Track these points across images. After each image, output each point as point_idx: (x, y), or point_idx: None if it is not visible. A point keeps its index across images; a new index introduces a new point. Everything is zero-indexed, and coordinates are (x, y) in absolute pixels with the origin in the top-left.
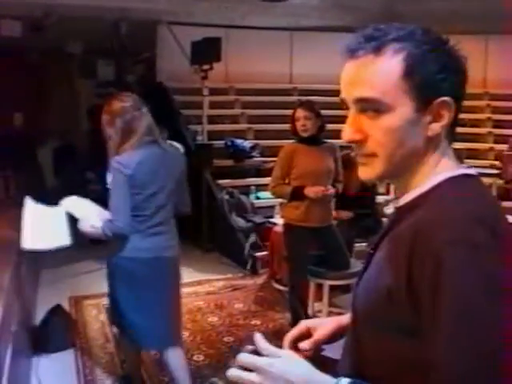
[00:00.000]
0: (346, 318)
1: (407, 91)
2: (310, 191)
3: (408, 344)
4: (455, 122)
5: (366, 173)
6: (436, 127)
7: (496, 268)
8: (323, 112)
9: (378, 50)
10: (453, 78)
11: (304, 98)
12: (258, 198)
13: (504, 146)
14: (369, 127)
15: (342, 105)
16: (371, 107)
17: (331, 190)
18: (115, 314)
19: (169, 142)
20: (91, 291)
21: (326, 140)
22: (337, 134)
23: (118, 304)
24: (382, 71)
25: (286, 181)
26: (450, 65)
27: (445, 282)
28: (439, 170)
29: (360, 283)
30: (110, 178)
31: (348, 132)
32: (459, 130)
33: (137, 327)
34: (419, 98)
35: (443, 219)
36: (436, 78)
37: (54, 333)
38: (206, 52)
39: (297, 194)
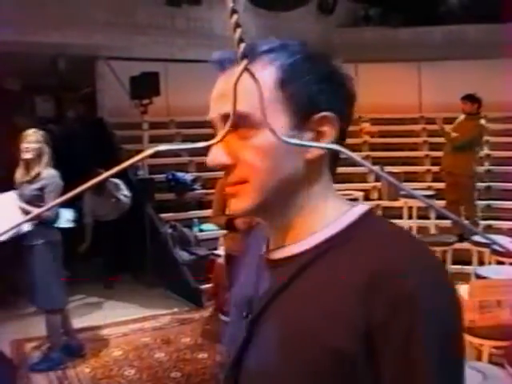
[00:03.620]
0: None
1: (281, 105)
2: (238, 223)
3: None
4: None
5: (235, 205)
6: (294, 158)
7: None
8: None
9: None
10: (333, 91)
11: None
12: (201, 230)
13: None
14: (239, 149)
15: (212, 128)
16: (241, 124)
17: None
18: None
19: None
20: (34, 334)
21: None
22: None
23: None
24: (252, 84)
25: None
26: (329, 77)
27: (421, 326)
28: (337, 204)
29: (249, 363)
30: None
31: (216, 155)
32: (398, 154)
33: None
34: (295, 113)
35: (409, 261)
36: (312, 90)
37: None
38: (145, 86)
39: (231, 226)
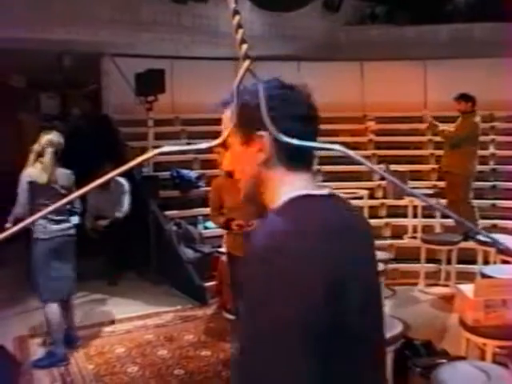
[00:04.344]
0: None
1: (235, 129)
2: (233, 225)
3: None
4: (292, 151)
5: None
6: (260, 156)
7: (275, 279)
8: None
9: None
10: (275, 115)
11: None
12: (206, 227)
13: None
14: (230, 159)
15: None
16: (229, 144)
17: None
18: None
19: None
20: (37, 330)
21: None
22: None
23: None
24: (226, 117)
25: (225, 210)
26: (271, 104)
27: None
28: (282, 191)
29: None
30: None
31: (226, 164)
32: (403, 152)
33: None
34: (241, 133)
35: (261, 233)
36: (253, 117)
37: None
38: (150, 84)
39: (228, 227)
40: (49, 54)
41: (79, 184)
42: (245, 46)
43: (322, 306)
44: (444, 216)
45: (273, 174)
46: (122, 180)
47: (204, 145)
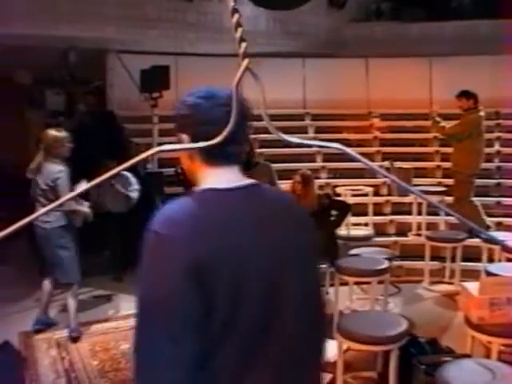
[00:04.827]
0: None
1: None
2: None
3: None
4: (208, 149)
5: None
6: (185, 156)
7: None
8: (262, 136)
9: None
10: (189, 123)
11: (254, 123)
12: None
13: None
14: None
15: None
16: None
17: None
18: None
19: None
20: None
21: (259, 162)
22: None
23: None
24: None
25: None
26: (184, 111)
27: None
28: (203, 183)
29: None
30: None
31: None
32: (408, 149)
33: None
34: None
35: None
36: (177, 122)
37: (2, 371)
38: (155, 80)
39: None
40: (54, 51)
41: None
42: (244, 45)
43: (183, 288)
44: (448, 213)
45: (198, 168)
46: (127, 173)
47: (203, 144)
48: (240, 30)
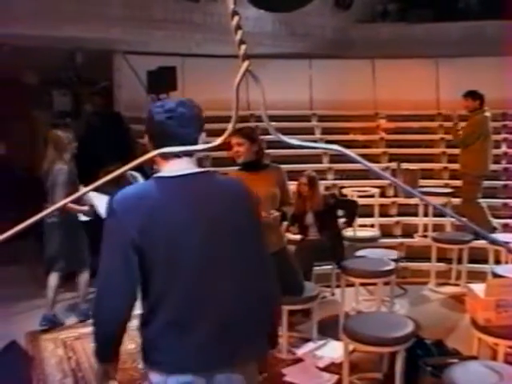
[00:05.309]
0: None
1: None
2: None
3: None
4: (158, 146)
5: None
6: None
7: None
8: (268, 138)
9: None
10: (150, 128)
11: (261, 124)
12: None
13: (458, 166)
14: None
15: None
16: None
17: (273, 215)
18: None
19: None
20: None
21: (270, 164)
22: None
23: None
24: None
25: None
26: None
27: None
28: (161, 172)
29: None
30: None
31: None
32: (414, 151)
33: None
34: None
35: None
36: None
37: (9, 370)
38: (162, 81)
39: None
40: (61, 52)
41: (90, 179)
42: (244, 47)
43: (133, 240)
44: (452, 216)
45: (158, 160)
46: (136, 173)
47: (201, 146)
48: (240, 32)
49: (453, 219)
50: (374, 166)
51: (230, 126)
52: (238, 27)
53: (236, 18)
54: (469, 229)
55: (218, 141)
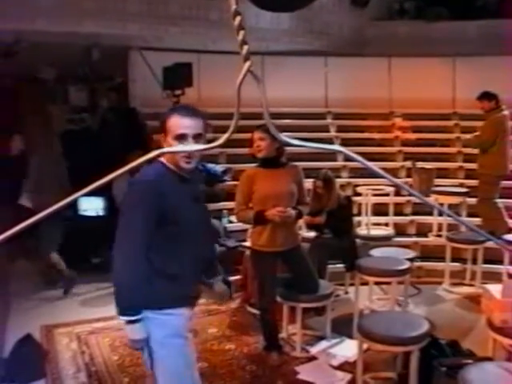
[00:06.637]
0: None
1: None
2: (270, 214)
3: None
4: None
5: None
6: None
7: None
8: (286, 136)
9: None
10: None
11: (276, 122)
12: (230, 221)
13: (474, 165)
14: None
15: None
16: None
17: (290, 212)
18: None
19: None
20: (62, 320)
21: (288, 162)
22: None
23: None
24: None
25: (250, 205)
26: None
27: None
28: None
29: None
30: None
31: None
32: (430, 149)
33: None
34: None
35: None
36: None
37: (24, 363)
38: (178, 77)
39: (259, 219)
40: (78, 48)
41: (104, 174)
42: (246, 47)
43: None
44: (470, 215)
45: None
46: None
47: (203, 146)
48: (242, 32)
49: (468, 219)
50: (374, 166)
51: (231, 126)
52: (241, 27)
53: (238, 18)
54: (486, 228)
55: (221, 140)
